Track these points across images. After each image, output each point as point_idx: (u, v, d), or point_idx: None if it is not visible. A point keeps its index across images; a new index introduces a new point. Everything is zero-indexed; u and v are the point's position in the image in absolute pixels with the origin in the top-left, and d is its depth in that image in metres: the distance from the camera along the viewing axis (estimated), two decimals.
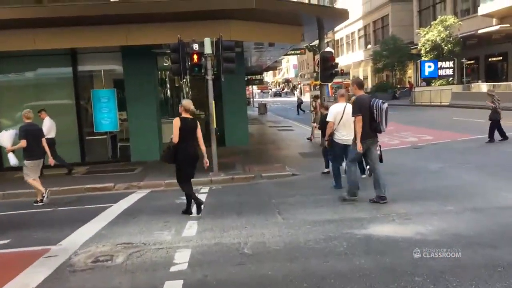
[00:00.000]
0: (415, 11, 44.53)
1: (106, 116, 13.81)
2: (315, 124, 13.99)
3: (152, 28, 11.85)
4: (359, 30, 60.26)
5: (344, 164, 8.44)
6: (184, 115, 7.22)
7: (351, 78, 13.13)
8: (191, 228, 6.38)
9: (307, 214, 6.79)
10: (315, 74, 74.62)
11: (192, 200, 7.13)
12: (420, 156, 12.77)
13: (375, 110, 7.04)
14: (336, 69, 15.13)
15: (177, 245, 5.71)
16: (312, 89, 71.30)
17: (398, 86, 46.30)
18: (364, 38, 58.97)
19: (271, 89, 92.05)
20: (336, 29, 62.27)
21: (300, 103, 38.63)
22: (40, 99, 13.69)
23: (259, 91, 72.87)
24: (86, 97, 14.00)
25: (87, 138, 14.04)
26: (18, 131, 9.14)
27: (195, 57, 10.62)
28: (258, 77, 43.18)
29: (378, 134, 7.41)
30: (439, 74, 34.68)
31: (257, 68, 35.18)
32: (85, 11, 11.01)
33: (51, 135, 11.70)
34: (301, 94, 60.16)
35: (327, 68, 14.91)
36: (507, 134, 13.90)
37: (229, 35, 11.55)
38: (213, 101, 11.04)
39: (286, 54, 26.58)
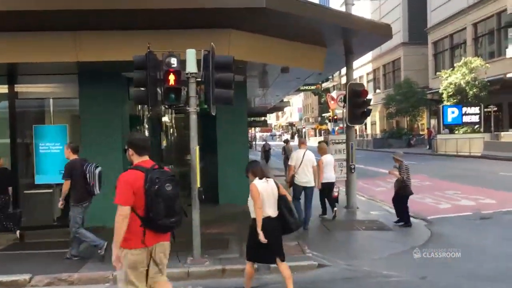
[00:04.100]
0: (430, 55, 41.75)
1: (54, 162, 9.89)
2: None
3: (115, 38, 8.18)
4: (367, 74, 57.58)
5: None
6: None
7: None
8: None
9: None
10: (319, 118, 72.16)
11: None
12: (506, 235, 8.78)
13: (88, 174, 7.34)
14: (368, 107, 11.39)
15: None
16: (320, 134, 68.04)
17: (413, 133, 42.69)
18: (373, 82, 56.13)
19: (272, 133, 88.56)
20: (342, 72, 59.76)
21: (268, 149, 30.31)
22: None
23: (267, 134, 69.04)
24: (28, 135, 10.15)
25: (25, 192, 10.01)
26: None
27: (172, 77, 6.82)
28: (262, 119, 39.59)
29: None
30: (464, 120, 31.06)
31: (260, 109, 31.55)
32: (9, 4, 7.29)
33: None
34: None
35: (357, 105, 11.21)
36: None
37: (227, 49, 7.87)
38: (197, 146, 7.16)
39: (298, 90, 22.90)
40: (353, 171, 11.71)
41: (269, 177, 5.56)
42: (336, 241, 8.75)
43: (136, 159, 4.09)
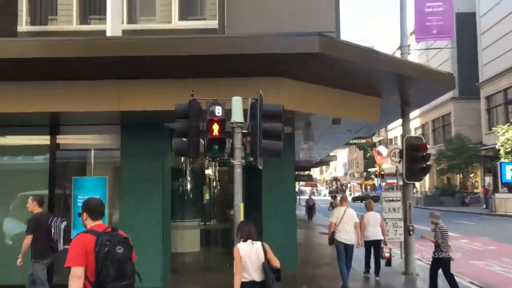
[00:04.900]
0: (483, 110, 40.19)
1: None
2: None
3: (158, 87, 7.84)
4: (415, 129, 56.11)
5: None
6: None
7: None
8: None
9: None
10: (365, 173, 70.39)
11: None
12: None
13: (53, 229, 7.11)
14: (428, 163, 10.45)
15: None
16: (366, 189, 65.99)
17: (467, 191, 40.45)
18: None
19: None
20: (389, 127, 58.53)
21: (312, 204, 30.07)
22: None
23: (309, 188, 67.68)
24: (67, 187, 9.82)
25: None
26: None
27: (216, 127, 6.28)
28: (306, 173, 38.77)
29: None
30: None
31: (305, 163, 30.74)
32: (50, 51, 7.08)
33: None
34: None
35: (415, 160, 10.31)
36: None
37: (276, 99, 7.30)
38: (242, 203, 6.47)
39: (348, 143, 22.06)
40: (411, 232, 10.62)
41: (255, 240, 5.42)
42: None
43: (90, 223, 4.12)
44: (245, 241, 5.40)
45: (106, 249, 3.80)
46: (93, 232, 3.94)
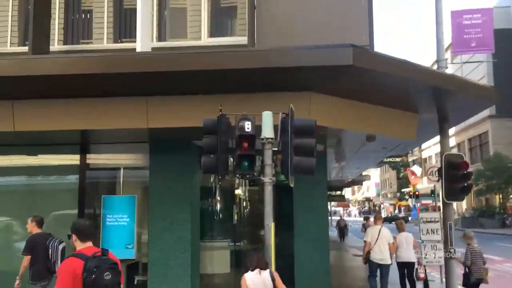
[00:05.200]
0: None
1: (120, 235, 9.34)
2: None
3: (187, 103, 7.69)
4: (451, 148, 54.51)
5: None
6: None
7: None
8: None
9: None
10: (398, 194, 68.68)
11: None
12: None
13: (50, 249, 7.09)
14: (469, 181, 9.92)
15: None
16: (400, 211, 64.30)
17: (508, 212, 38.86)
18: None
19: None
20: (423, 146, 57.13)
21: (343, 225, 29.64)
22: (27, 207, 9.66)
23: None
24: (96, 206, 9.74)
25: None
26: None
27: (246, 143, 6.04)
28: (337, 193, 38.12)
29: None
30: None
31: (337, 183, 30.12)
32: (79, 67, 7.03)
33: None
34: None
35: (455, 179, 9.78)
36: None
37: (307, 114, 7.05)
38: (272, 222, 6.16)
39: (382, 162, 21.46)
40: (453, 255, 10.03)
41: (263, 269, 5.48)
42: None
43: (79, 245, 4.10)
44: (253, 270, 5.46)
45: (93, 276, 3.78)
46: (82, 257, 3.91)
